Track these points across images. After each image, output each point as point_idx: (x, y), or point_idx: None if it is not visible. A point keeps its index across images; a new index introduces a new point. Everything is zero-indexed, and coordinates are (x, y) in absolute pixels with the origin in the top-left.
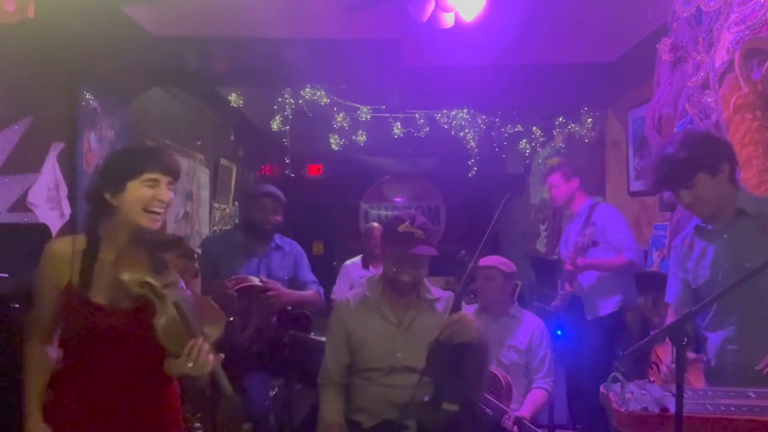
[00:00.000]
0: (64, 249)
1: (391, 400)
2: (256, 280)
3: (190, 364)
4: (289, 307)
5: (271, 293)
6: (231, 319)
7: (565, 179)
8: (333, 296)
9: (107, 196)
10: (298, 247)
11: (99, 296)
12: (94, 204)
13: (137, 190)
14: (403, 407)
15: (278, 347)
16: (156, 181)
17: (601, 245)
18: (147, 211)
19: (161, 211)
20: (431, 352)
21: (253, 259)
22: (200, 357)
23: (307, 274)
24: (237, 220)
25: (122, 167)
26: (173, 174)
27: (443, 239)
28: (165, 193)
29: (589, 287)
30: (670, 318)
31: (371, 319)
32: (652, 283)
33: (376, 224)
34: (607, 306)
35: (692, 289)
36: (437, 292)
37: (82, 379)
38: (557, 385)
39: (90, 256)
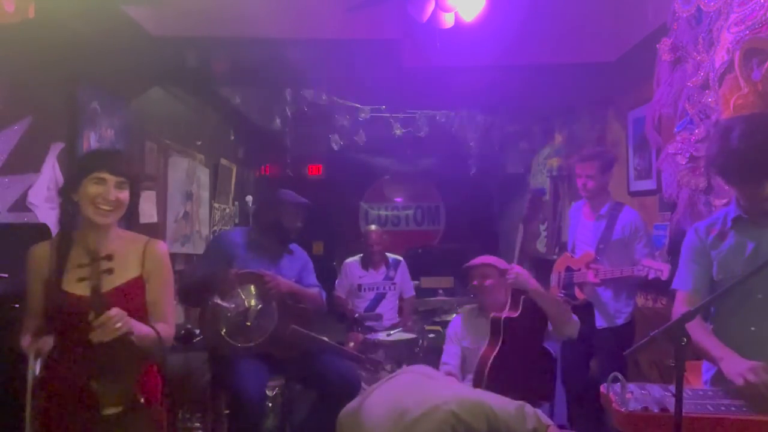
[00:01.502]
0: (42, 250)
1: None
2: (256, 271)
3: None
4: (290, 301)
5: (268, 279)
6: (232, 306)
7: (601, 171)
8: (335, 292)
9: (71, 194)
10: (306, 254)
11: (72, 287)
12: (63, 202)
13: (87, 188)
14: None
15: (279, 340)
16: (103, 179)
17: (622, 253)
18: (96, 207)
19: (107, 208)
20: None
21: (265, 259)
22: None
23: (312, 279)
24: (237, 220)
25: (79, 167)
26: (123, 174)
27: (443, 239)
28: (110, 191)
29: (608, 297)
30: (679, 305)
31: None
32: (651, 282)
33: (373, 227)
34: (624, 315)
35: (713, 282)
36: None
37: (66, 362)
38: (558, 385)
39: (62, 250)
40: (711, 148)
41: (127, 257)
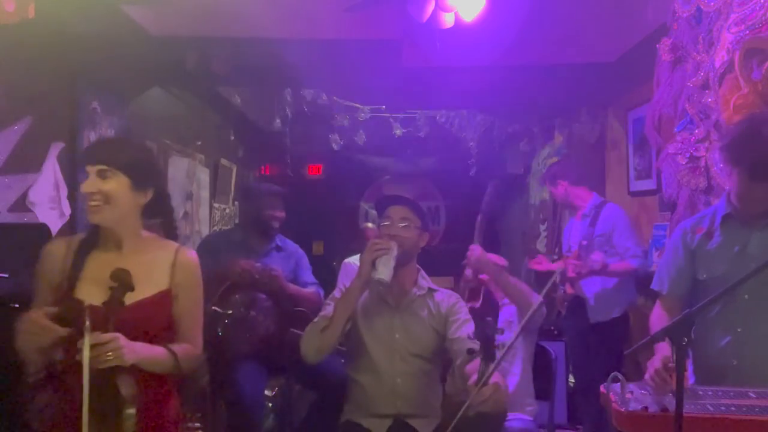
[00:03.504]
0: (58, 249)
1: (393, 389)
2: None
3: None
4: (288, 305)
5: (274, 272)
6: (229, 312)
7: (552, 185)
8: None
9: None
10: (300, 250)
11: (86, 294)
12: None
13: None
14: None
15: (277, 345)
16: (86, 172)
17: (606, 250)
18: (87, 203)
19: (92, 203)
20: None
21: (252, 257)
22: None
23: (308, 276)
24: (237, 220)
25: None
26: (103, 161)
27: (443, 239)
28: (89, 183)
29: (594, 293)
30: (659, 309)
31: (370, 301)
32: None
33: (370, 224)
34: (613, 311)
35: (696, 281)
36: (438, 288)
37: (73, 377)
38: (557, 384)
39: (81, 253)
40: (735, 136)
41: (154, 266)
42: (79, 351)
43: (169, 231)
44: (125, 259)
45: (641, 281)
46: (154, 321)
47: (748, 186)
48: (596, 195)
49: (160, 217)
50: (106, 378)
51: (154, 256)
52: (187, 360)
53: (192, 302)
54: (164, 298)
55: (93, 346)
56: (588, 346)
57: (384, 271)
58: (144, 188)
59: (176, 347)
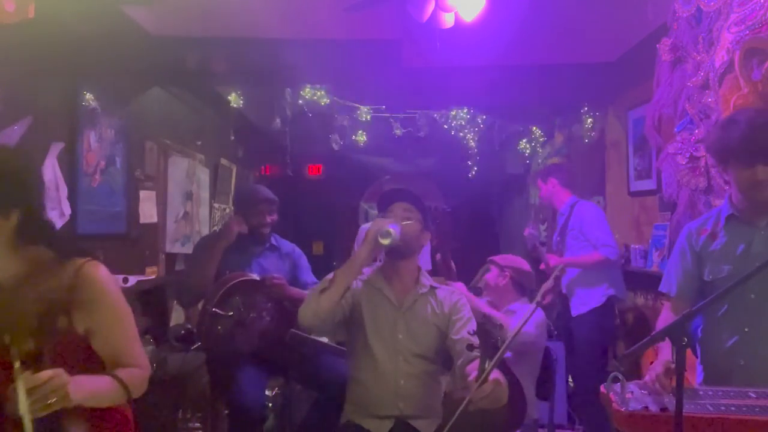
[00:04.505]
0: None
1: (395, 390)
2: (254, 276)
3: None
4: (288, 304)
5: (276, 280)
6: (230, 314)
7: (543, 181)
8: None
9: None
10: (298, 250)
11: None
12: None
13: None
14: (408, 398)
15: (278, 346)
16: None
17: (581, 242)
18: None
19: None
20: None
21: (246, 258)
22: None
23: (308, 276)
24: None
25: None
26: None
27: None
28: None
29: (568, 285)
30: (667, 311)
31: (374, 300)
32: (652, 283)
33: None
34: (588, 302)
35: (703, 282)
36: (439, 285)
37: None
38: (557, 384)
39: None
40: (715, 133)
41: (49, 298)
42: (9, 401)
43: (62, 252)
44: (4, 298)
45: (642, 282)
46: (69, 364)
47: (745, 176)
48: (573, 197)
49: (39, 241)
50: (51, 428)
51: (48, 285)
52: (136, 385)
53: (117, 327)
54: (69, 341)
55: (30, 391)
56: (573, 339)
57: (392, 230)
58: (4, 211)
59: (121, 373)
